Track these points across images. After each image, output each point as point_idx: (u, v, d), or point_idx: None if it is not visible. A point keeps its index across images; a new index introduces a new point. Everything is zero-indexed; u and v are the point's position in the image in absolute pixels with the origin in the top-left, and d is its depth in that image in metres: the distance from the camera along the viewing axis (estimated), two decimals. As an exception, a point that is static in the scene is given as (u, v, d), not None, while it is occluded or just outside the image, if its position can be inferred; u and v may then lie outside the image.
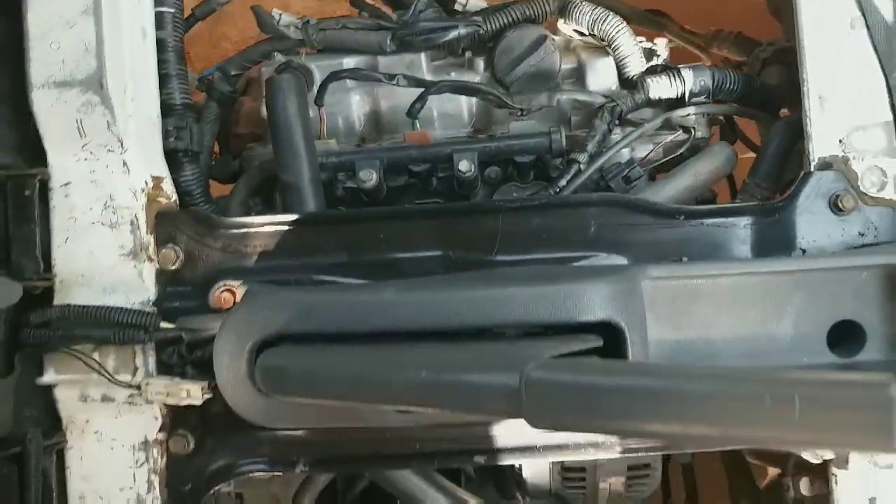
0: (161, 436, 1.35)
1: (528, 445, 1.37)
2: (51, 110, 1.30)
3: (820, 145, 1.36)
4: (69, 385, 1.33)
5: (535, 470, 1.55)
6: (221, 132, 1.72)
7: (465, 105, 1.57)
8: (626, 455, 1.33)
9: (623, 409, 0.73)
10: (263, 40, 1.66)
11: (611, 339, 1.07)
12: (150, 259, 1.35)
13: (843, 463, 1.38)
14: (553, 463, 1.54)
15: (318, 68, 1.58)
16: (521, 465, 1.55)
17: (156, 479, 1.35)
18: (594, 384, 0.76)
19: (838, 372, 1.18)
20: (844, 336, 1.27)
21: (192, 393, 1.26)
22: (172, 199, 1.39)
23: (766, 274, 1.23)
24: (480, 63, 1.59)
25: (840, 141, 1.36)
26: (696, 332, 1.25)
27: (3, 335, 1.27)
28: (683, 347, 1.25)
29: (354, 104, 1.59)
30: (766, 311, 1.25)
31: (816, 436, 0.65)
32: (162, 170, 1.38)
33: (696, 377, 0.73)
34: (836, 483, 1.38)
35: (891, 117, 1.34)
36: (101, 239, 1.34)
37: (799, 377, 0.68)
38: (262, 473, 1.37)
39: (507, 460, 1.43)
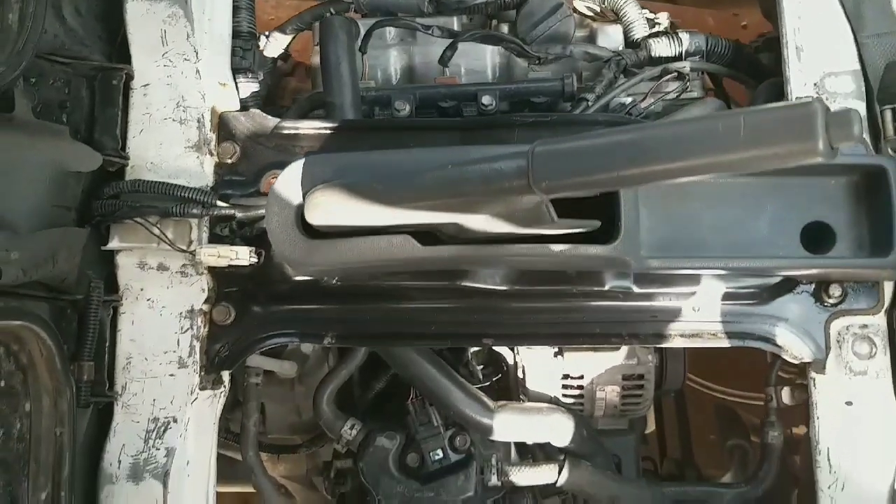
0: (206, 307, 1.51)
1: (531, 333, 1.53)
2: (141, 19, 1.54)
3: (797, 87, 1.56)
4: (130, 253, 1.50)
5: (538, 378, 1.68)
6: (267, 101, 1.96)
7: (489, 61, 1.81)
8: (614, 343, 1.48)
9: (611, 160, 0.90)
10: (318, 4, 1.92)
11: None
12: (211, 153, 1.55)
13: (820, 368, 1.50)
14: (553, 370, 1.66)
15: (364, 25, 1.83)
16: (524, 374, 1.68)
17: (197, 345, 1.50)
18: (584, 145, 0.93)
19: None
20: (817, 236, 1.43)
21: (240, 254, 1.43)
22: (235, 105, 1.61)
23: (746, 175, 1.41)
24: (504, 27, 1.83)
25: (815, 84, 1.56)
26: (685, 224, 1.42)
27: (80, 199, 1.47)
28: (673, 238, 1.42)
29: (392, 58, 1.83)
30: (746, 211, 1.42)
31: (759, 150, 0.81)
32: (228, 79, 1.61)
33: (665, 125, 0.90)
34: (814, 387, 1.51)
35: (858, 66, 1.55)
36: (171, 133, 1.55)
37: (742, 110, 0.85)
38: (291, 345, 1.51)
39: (511, 343, 1.57)
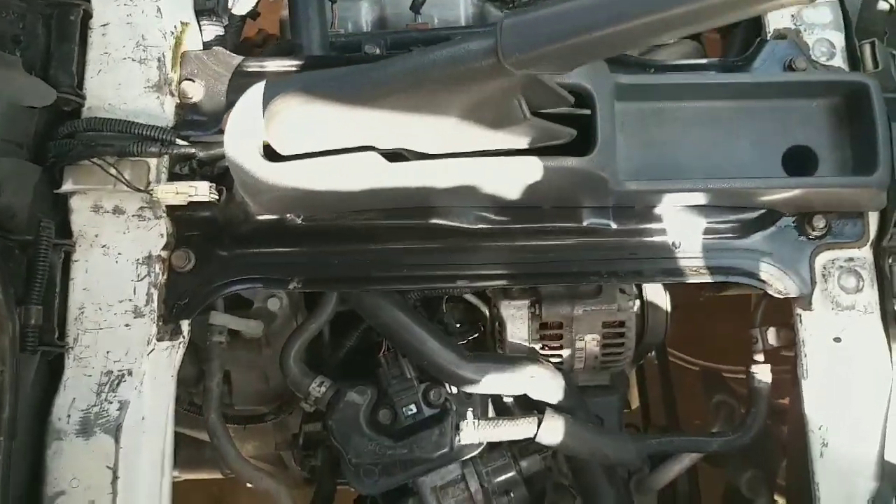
0: (164, 253, 1.43)
1: (507, 273, 1.46)
2: (98, -43, 1.49)
3: (775, 17, 1.53)
4: (84, 196, 1.42)
5: (516, 332, 1.61)
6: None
7: (462, 10, 1.76)
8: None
9: (584, 21, 0.84)
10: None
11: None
12: (172, 94, 1.48)
13: (806, 304, 1.45)
14: (531, 321, 1.60)
15: (334, -27, 1.79)
16: (502, 327, 1.61)
17: (155, 293, 1.42)
18: (554, 11, 0.87)
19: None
20: (799, 161, 1.39)
21: (199, 190, 1.36)
22: (197, 46, 1.55)
23: (725, 99, 1.37)
24: (479, -19, 1.80)
25: (792, 15, 1.54)
26: (663, 149, 1.37)
27: (34, 139, 1.39)
28: (652, 163, 1.37)
29: (363, 10, 1.79)
30: (726, 137, 1.38)
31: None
32: (191, 19, 1.55)
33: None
34: (801, 324, 1.45)
35: (836, -3, 1.53)
36: (130, 73, 1.48)
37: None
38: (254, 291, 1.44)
39: (486, 284, 1.50)
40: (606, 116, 1.20)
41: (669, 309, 1.69)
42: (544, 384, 1.54)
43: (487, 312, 1.67)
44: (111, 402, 1.36)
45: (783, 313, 1.51)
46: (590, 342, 1.59)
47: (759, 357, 1.53)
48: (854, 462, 1.39)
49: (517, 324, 1.61)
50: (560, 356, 1.62)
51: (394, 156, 1.24)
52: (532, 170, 1.17)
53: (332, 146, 1.19)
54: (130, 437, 1.35)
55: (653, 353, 2.12)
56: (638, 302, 1.63)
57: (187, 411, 1.79)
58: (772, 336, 1.52)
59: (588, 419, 1.57)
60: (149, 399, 1.38)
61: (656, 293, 1.66)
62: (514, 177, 1.20)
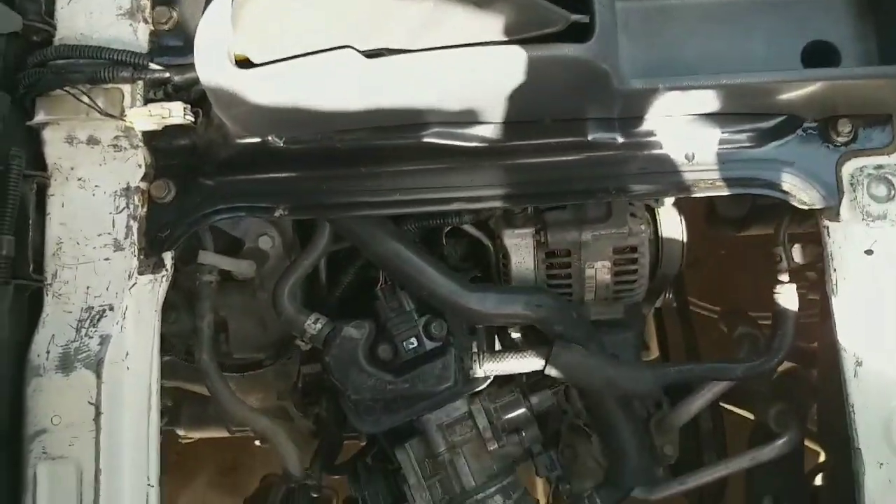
0: (143, 184, 1.35)
1: (507, 194, 1.36)
2: None
3: None
4: (57, 126, 1.34)
5: (520, 261, 1.52)
6: None
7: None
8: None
9: None
10: None
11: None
12: (146, 20, 1.40)
13: (833, 215, 1.34)
14: (537, 250, 1.51)
15: None
16: (506, 258, 1.52)
17: (134, 225, 1.34)
18: None
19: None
20: (819, 57, 1.27)
21: (173, 112, 1.28)
22: (171, -32, 1.46)
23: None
24: None
25: None
26: (670, 50, 1.26)
27: (3, 70, 1.32)
28: (658, 66, 1.26)
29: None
30: (737, 34, 1.27)
31: None
32: (162, -58, 1.47)
33: None
34: (828, 237, 1.34)
35: None
36: (101, 0, 1.41)
37: None
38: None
39: (485, 206, 1.41)
40: (605, 2, 1.09)
41: (686, 237, 1.58)
42: (552, 314, 1.44)
43: (491, 246, 1.57)
44: (92, 338, 1.29)
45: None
46: (600, 270, 1.49)
47: (784, 277, 1.42)
48: (891, 381, 1.28)
49: (522, 253, 1.51)
50: (569, 286, 1.52)
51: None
52: (523, 61, 1.07)
53: (307, 49, 1.10)
54: (113, 373, 1.28)
55: (670, 294, 2.02)
56: (651, 227, 1.53)
57: (185, 361, 1.73)
58: (797, 253, 1.41)
59: (601, 352, 1.48)
60: (132, 334, 1.31)
61: (671, 218, 1.56)
62: (504, 70, 1.09)
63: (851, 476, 1.48)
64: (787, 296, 1.41)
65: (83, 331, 1.30)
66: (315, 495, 1.74)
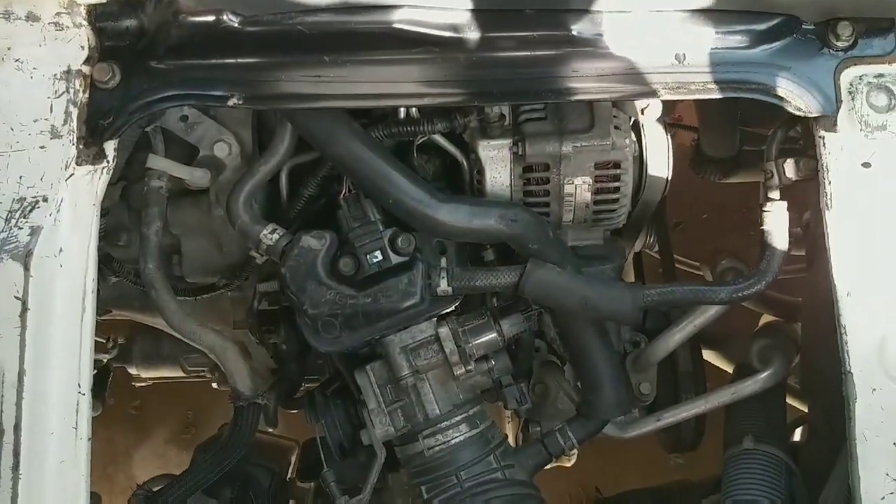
0: (86, 68, 1.23)
1: (484, 91, 1.26)
2: None
3: None
4: (-8, 0, 1.24)
5: (496, 175, 1.42)
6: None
7: None
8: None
9: None
10: None
11: None
12: None
13: (830, 125, 1.25)
14: (514, 164, 1.41)
15: None
16: (480, 174, 1.42)
17: (74, 112, 1.22)
18: None
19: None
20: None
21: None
22: None
23: None
24: None
25: None
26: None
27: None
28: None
29: None
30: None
31: None
32: None
33: None
34: (824, 148, 1.26)
35: None
36: None
37: None
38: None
39: (460, 101, 1.31)
40: None
41: (671, 159, 1.49)
42: (528, 230, 1.34)
43: (465, 162, 1.47)
44: (21, 229, 1.18)
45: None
46: (580, 187, 1.40)
47: (774, 194, 1.34)
48: (886, 300, 1.20)
49: (498, 167, 1.41)
50: (547, 204, 1.42)
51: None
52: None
53: None
54: (43, 268, 1.16)
55: (652, 237, 1.93)
56: (635, 143, 1.44)
57: (135, 284, 1.61)
58: (790, 168, 1.32)
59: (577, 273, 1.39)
60: (67, 229, 1.20)
61: (656, 135, 1.47)
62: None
63: (834, 430, 1.41)
64: (777, 214, 1.32)
65: (13, 222, 1.18)
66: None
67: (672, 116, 2.18)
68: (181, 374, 2.04)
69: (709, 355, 1.93)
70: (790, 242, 1.95)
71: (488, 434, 1.43)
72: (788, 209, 1.36)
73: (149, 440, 3.05)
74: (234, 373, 1.42)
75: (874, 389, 1.19)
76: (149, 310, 1.79)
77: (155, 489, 1.50)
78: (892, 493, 1.17)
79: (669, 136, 1.48)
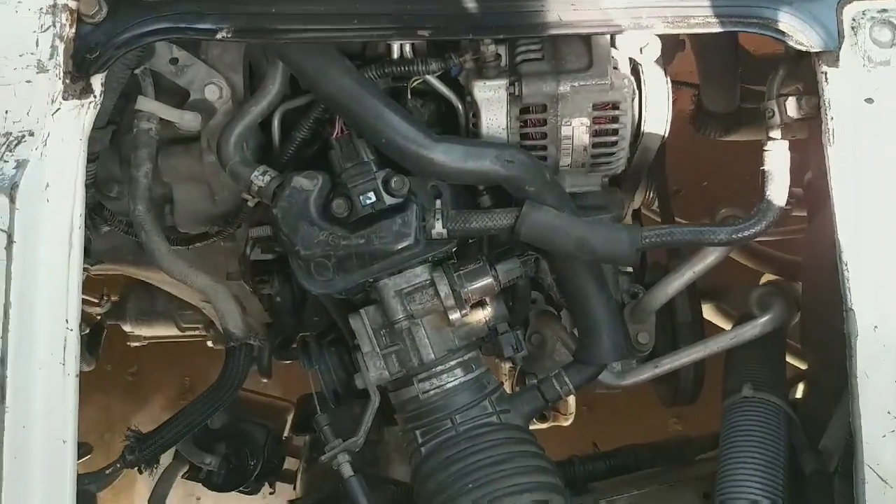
0: (72, 2, 1.21)
1: (478, 24, 1.24)
2: None
3: None
4: (-24, -71, 1.21)
5: (492, 118, 1.39)
6: None
7: None
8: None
9: None
10: None
11: None
12: None
13: (833, 60, 1.23)
14: (510, 105, 1.38)
15: None
16: (476, 116, 1.39)
17: (60, 46, 1.20)
18: None
19: None
20: None
21: None
22: None
23: None
24: None
25: None
26: None
27: None
28: None
29: None
30: None
31: None
32: None
33: None
34: (826, 83, 1.23)
35: None
36: None
37: None
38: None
39: (454, 35, 1.28)
40: None
41: (671, 103, 1.47)
42: (524, 172, 1.31)
43: (460, 106, 1.44)
44: (7, 161, 1.16)
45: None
46: (578, 128, 1.37)
47: (776, 133, 1.31)
48: (889, 234, 1.18)
49: (494, 109, 1.38)
50: (544, 147, 1.40)
51: None
52: None
53: None
54: (30, 201, 1.15)
55: (652, 193, 1.91)
56: (634, 85, 1.41)
57: (126, 233, 1.59)
58: (791, 106, 1.29)
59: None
60: (53, 164, 1.18)
61: (655, 77, 1.44)
62: None
63: (834, 386, 1.39)
64: (778, 153, 1.30)
65: (-2, 156, 1.17)
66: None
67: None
68: (176, 331, 2.03)
69: (708, 311, 1.92)
70: (791, 203, 1.93)
71: (483, 379, 1.41)
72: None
73: (146, 406, 3.05)
74: (226, 313, 1.40)
75: (876, 327, 1.17)
76: (142, 263, 1.76)
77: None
78: (893, 431, 1.16)
79: (669, 80, 1.45)
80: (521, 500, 1.28)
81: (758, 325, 1.46)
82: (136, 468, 1.46)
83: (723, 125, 1.97)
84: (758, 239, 2.18)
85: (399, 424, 1.44)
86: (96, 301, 2.02)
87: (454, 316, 1.37)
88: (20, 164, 1.16)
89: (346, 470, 1.33)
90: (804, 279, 1.76)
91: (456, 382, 1.39)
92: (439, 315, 1.40)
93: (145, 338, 2.15)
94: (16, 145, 1.18)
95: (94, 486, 1.78)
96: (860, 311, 1.18)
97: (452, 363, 1.39)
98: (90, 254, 1.64)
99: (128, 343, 2.20)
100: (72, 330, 1.16)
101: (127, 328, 2.03)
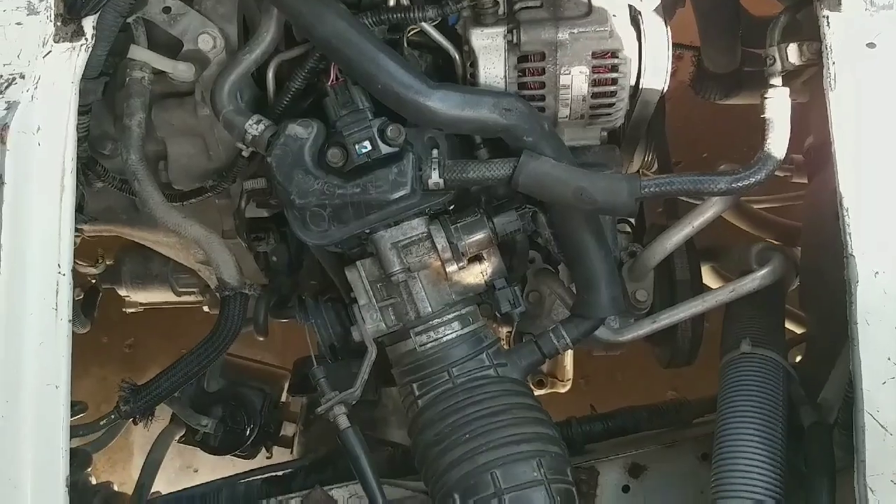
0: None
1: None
2: None
3: None
4: None
5: (489, 66, 1.37)
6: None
7: None
8: None
9: None
10: None
11: None
12: None
13: (835, 4, 1.21)
14: (509, 53, 1.36)
15: None
16: (474, 65, 1.38)
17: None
18: None
19: None
20: None
21: None
22: None
23: None
24: None
25: None
26: None
27: None
28: None
29: None
30: None
31: None
32: None
33: None
34: (828, 27, 1.21)
35: None
36: None
37: None
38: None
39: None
40: None
41: (671, 54, 1.45)
42: (522, 121, 1.29)
43: (457, 56, 1.42)
44: (-3, 104, 1.15)
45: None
46: (577, 77, 1.35)
47: (776, 80, 1.29)
48: (890, 179, 1.16)
49: (492, 58, 1.36)
50: (542, 97, 1.38)
51: None
52: None
53: None
54: (21, 143, 1.14)
55: (651, 155, 1.89)
56: (634, 34, 1.39)
57: (121, 190, 1.57)
58: (793, 53, 1.27)
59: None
60: (44, 106, 1.17)
61: (655, 26, 1.41)
62: None
63: (833, 347, 1.39)
64: (779, 100, 1.28)
65: (-11, 98, 1.16)
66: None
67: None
68: (172, 295, 2.01)
69: (707, 273, 1.91)
70: (790, 170, 1.91)
71: (481, 333, 1.40)
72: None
73: (143, 378, 3.01)
74: (220, 263, 1.38)
75: (876, 273, 1.16)
76: (136, 224, 1.75)
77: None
78: (893, 378, 1.14)
79: (669, 31, 1.43)
80: (517, 450, 1.27)
81: (757, 279, 1.45)
82: (130, 419, 1.45)
83: (723, 87, 1.96)
84: (758, 206, 2.22)
85: (396, 379, 1.43)
86: (91, 264, 2.00)
87: (451, 268, 1.36)
88: (10, 106, 1.14)
89: (343, 421, 1.32)
90: (804, 242, 1.74)
91: (453, 335, 1.38)
92: (436, 269, 1.39)
93: (141, 304, 2.14)
94: (6, 87, 1.16)
95: (91, 447, 1.79)
96: (861, 257, 1.16)
97: (449, 317, 1.38)
98: (83, 211, 1.63)
99: (123, 309, 2.19)
100: (64, 275, 1.15)
101: (122, 292, 2.02)
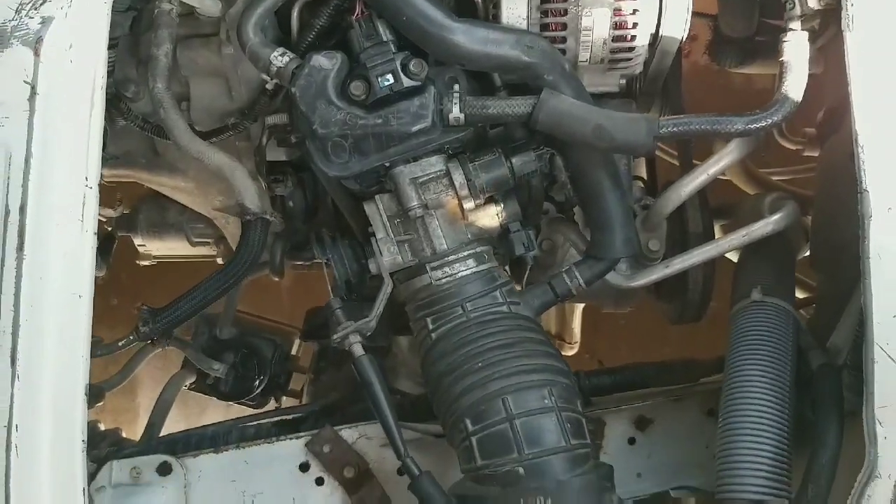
0: None
1: None
2: None
3: None
4: None
5: (512, 7, 1.38)
6: None
7: None
8: None
9: None
10: None
11: None
12: None
13: (854, -53, 1.23)
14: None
15: None
16: (497, 7, 1.39)
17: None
18: None
19: None
20: None
21: None
22: None
23: None
24: None
25: None
26: None
27: None
28: None
29: None
30: None
31: None
32: None
33: None
34: (849, -29, 1.24)
35: None
36: None
37: None
38: None
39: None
40: None
41: (691, 4, 1.46)
42: (544, 59, 1.31)
43: (480, 0, 1.45)
44: (32, 18, 1.17)
45: None
46: (599, 20, 1.37)
47: (795, 24, 1.31)
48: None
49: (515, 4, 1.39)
50: (563, 39, 1.40)
51: None
52: None
53: None
54: (53, 57, 1.16)
55: (667, 115, 1.91)
56: (653, -20, 1.41)
57: (142, 129, 1.59)
58: (812, -2, 1.29)
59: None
60: (77, 23, 1.19)
61: (676, -28, 1.44)
62: None
63: (843, 303, 1.40)
64: (797, 43, 1.30)
65: (23, 12, 1.18)
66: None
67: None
68: (186, 246, 2.03)
69: (720, 233, 1.92)
70: (804, 141, 1.91)
71: (495, 272, 1.42)
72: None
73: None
74: (243, 189, 1.41)
75: (889, 208, 1.18)
76: (155, 168, 1.77)
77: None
78: (903, 312, 1.16)
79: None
80: (528, 379, 1.29)
81: (770, 223, 1.46)
82: (149, 340, 1.47)
83: (738, 53, 1.97)
84: (770, 177, 2.24)
85: (410, 315, 1.44)
86: (109, 206, 2.02)
87: (468, 205, 1.38)
88: (45, 21, 1.16)
89: (357, 350, 1.34)
90: (817, 201, 1.75)
91: (468, 272, 1.40)
92: (453, 208, 1.41)
93: (154, 256, 2.16)
94: (41, 3, 1.18)
95: (105, 385, 1.81)
96: (874, 192, 1.18)
97: (465, 254, 1.40)
98: (105, 149, 1.65)
99: (137, 261, 2.21)
100: (91, 188, 1.17)
101: (138, 241, 2.04)
